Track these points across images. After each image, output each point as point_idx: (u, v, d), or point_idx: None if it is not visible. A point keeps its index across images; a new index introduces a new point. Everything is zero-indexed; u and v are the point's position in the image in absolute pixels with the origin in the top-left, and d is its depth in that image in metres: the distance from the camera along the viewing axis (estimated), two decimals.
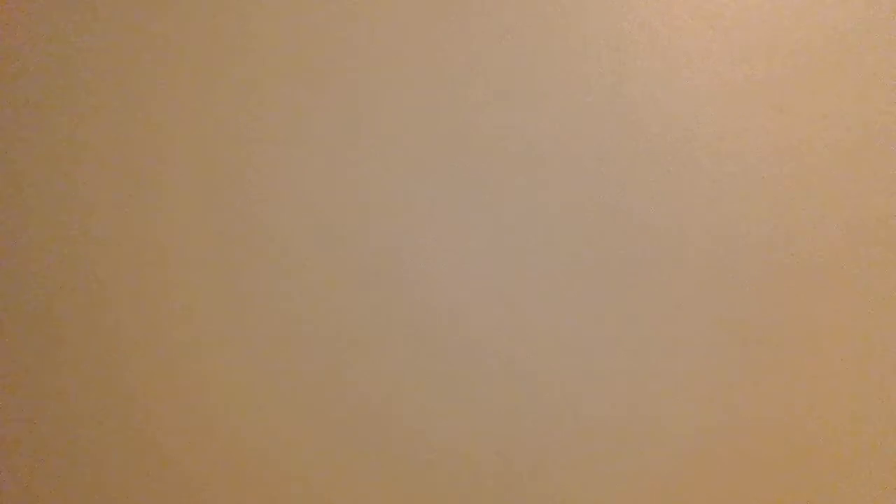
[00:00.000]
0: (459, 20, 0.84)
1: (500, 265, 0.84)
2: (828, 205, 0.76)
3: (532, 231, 0.83)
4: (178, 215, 0.92)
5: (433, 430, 0.86)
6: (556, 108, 0.82)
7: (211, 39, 0.90)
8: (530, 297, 0.83)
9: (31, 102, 0.95)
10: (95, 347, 0.94)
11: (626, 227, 0.81)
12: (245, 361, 0.91)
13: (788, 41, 0.77)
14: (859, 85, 0.75)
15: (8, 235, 0.96)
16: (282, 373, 0.90)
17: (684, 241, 0.79)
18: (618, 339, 0.81)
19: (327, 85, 0.87)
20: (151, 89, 0.92)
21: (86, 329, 0.94)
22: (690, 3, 0.79)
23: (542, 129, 0.82)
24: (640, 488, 0.80)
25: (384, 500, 0.87)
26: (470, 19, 0.84)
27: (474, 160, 0.84)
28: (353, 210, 0.87)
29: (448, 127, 0.85)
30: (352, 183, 0.87)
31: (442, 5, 0.84)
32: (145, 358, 0.93)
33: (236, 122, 0.90)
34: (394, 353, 0.87)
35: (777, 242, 0.77)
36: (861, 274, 0.75)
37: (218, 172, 0.90)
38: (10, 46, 0.95)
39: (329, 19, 0.87)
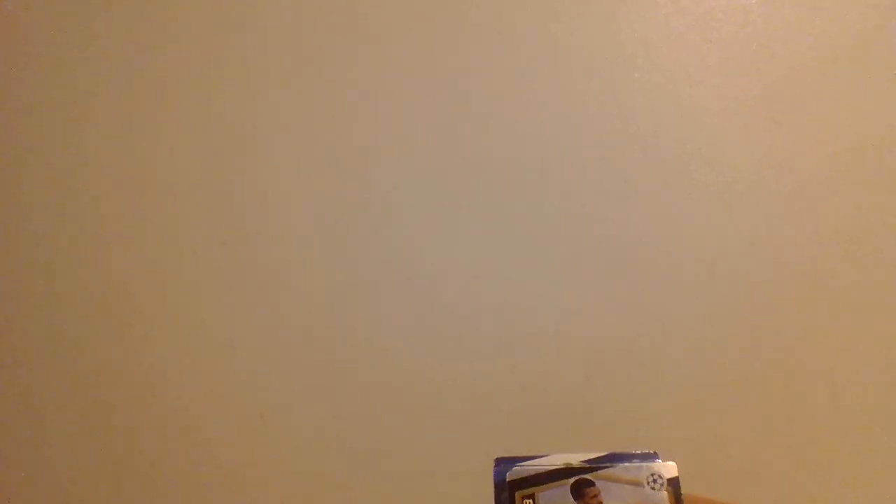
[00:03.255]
0: (462, 39, 0.85)
1: (497, 271, 0.84)
2: (823, 213, 0.77)
3: (531, 239, 0.83)
4: (188, 212, 0.91)
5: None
6: (556, 119, 0.83)
7: (219, 41, 0.90)
8: (527, 304, 0.83)
9: (33, 104, 0.94)
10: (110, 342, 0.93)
11: (624, 236, 0.81)
12: (254, 356, 0.90)
13: (784, 55, 0.79)
14: (853, 97, 0.77)
15: (10, 231, 0.95)
16: (291, 371, 0.89)
17: (682, 249, 0.80)
18: (615, 347, 0.81)
19: (335, 88, 0.88)
20: (158, 93, 0.92)
21: (103, 329, 0.93)
22: (688, 19, 0.81)
23: (542, 140, 0.83)
24: None
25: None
26: (471, 36, 0.85)
27: (475, 172, 0.85)
28: (358, 208, 0.87)
29: (450, 138, 0.85)
30: (357, 183, 0.87)
31: (445, 23, 0.85)
32: (159, 351, 0.92)
33: (245, 125, 0.90)
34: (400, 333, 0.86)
35: (773, 250, 0.78)
36: (856, 281, 0.76)
37: (227, 173, 0.90)
38: (10, 46, 0.95)
39: (336, 23, 0.88)
